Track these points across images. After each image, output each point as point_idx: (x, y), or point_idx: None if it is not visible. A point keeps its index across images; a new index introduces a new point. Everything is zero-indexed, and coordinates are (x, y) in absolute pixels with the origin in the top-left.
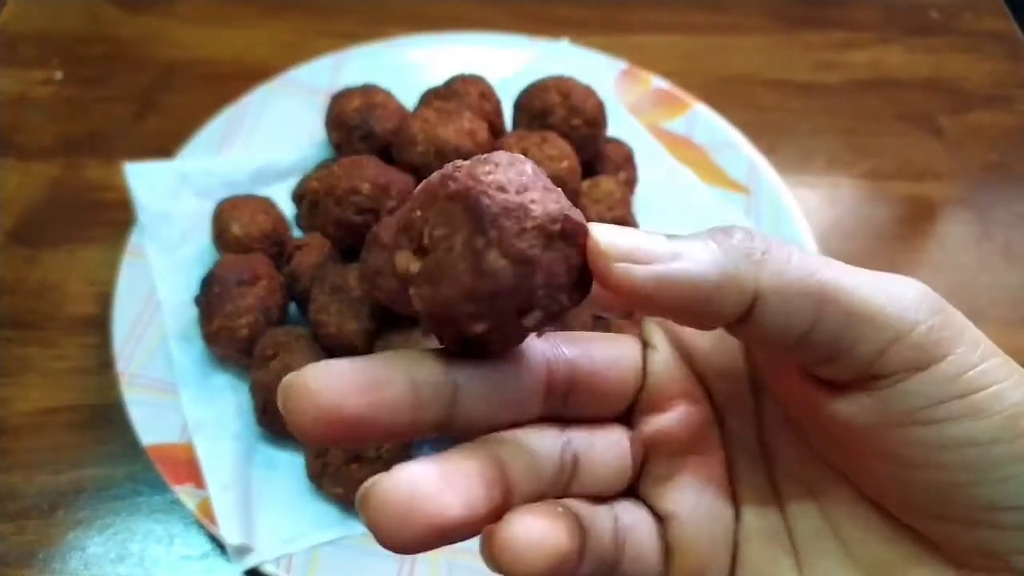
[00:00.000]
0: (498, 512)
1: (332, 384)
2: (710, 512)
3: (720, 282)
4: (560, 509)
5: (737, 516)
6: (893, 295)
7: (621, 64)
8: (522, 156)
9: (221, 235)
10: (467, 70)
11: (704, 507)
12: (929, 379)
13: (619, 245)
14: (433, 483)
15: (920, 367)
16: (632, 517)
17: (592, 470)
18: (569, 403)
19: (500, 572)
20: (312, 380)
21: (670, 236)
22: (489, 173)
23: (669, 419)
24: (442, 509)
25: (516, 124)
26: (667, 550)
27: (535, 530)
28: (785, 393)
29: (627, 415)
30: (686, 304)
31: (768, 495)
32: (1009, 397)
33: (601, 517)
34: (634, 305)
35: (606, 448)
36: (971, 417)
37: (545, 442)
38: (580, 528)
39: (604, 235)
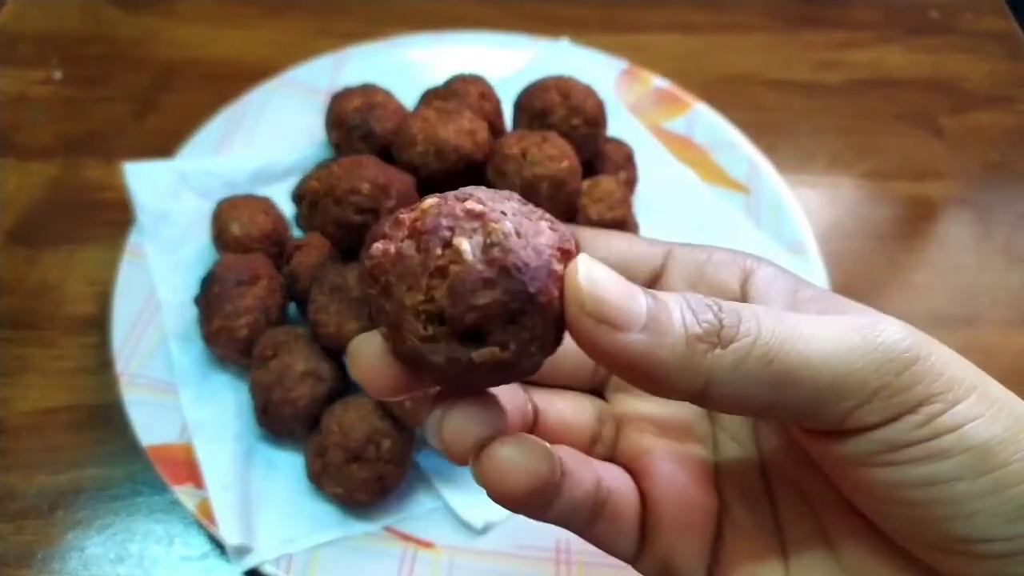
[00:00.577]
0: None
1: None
2: (683, 497)
3: (676, 369)
4: (539, 441)
5: (726, 510)
6: (859, 361)
7: (621, 64)
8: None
9: (221, 235)
10: (467, 70)
11: (677, 490)
12: (894, 429)
13: (598, 296)
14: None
15: (887, 422)
16: (617, 482)
17: (553, 426)
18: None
19: (489, 492)
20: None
21: (647, 292)
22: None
23: (646, 405)
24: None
25: (516, 124)
26: (644, 528)
27: (517, 454)
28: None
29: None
30: (640, 376)
31: (761, 494)
32: (977, 436)
33: (583, 467)
34: (590, 356)
35: (569, 408)
36: (934, 459)
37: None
38: (558, 463)
39: (585, 278)
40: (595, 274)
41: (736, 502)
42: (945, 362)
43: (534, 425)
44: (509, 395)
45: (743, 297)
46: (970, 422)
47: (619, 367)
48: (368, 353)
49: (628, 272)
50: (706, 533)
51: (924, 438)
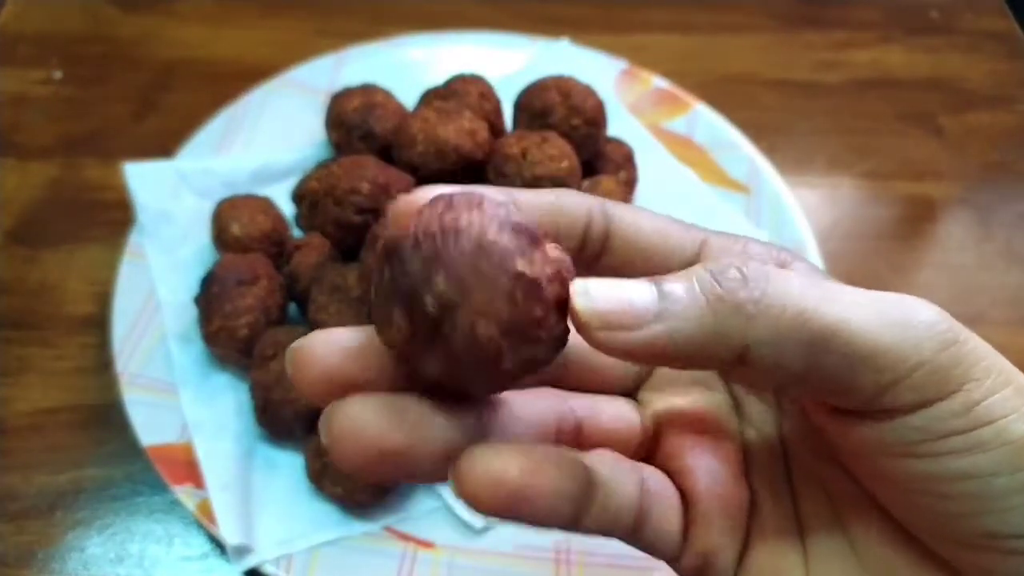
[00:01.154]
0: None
1: (330, 350)
2: (724, 492)
3: (707, 341)
4: (524, 447)
5: (753, 506)
6: (899, 334)
7: (621, 64)
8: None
9: (221, 235)
10: (467, 70)
11: (718, 487)
12: (931, 415)
13: (600, 310)
14: (378, 414)
15: (923, 404)
16: (660, 485)
17: (597, 435)
18: (567, 376)
19: (464, 501)
20: (312, 346)
21: (655, 281)
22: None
23: (678, 401)
24: (383, 439)
25: (516, 124)
26: (686, 526)
27: (484, 462)
28: (802, 402)
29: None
30: (673, 359)
31: (783, 489)
32: (1016, 430)
33: (624, 474)
34: (623, 359)
35: (613, 414)
36: (972, 451)
37: (539, 404)
38: (569, 472)
39: (583, 300)
40: (589, 291)
41: (762, 494)
42: (982, 349)
43: (578, 435)
44: (549, 404)
45: None
46: (1008, 415)
47: (650, 360)
48: (343, 342)
49: (663, 263)
50: (742, 527)
51: (963, 428)
